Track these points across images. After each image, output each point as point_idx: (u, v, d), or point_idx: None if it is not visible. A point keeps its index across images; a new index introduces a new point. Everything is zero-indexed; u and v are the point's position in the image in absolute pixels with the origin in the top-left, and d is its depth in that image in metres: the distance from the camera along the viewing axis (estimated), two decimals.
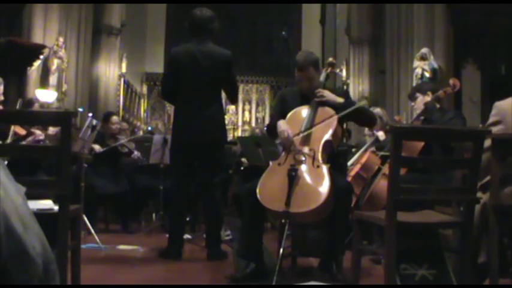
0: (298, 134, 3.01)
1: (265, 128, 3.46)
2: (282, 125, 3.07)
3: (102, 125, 5.47)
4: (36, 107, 4.75)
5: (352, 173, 3.96)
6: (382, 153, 3.99)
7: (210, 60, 3.67)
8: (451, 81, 3.86)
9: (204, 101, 3.67)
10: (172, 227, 3.81)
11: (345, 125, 3.47)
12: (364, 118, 3.29)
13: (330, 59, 3.51)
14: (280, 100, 3.44)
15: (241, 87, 13.21)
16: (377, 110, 4.65)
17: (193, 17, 3.77)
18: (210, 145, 3.70)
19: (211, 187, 3.76)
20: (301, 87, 3.23)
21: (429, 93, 3.78)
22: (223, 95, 3.94)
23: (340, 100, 3.16)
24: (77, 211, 2.48)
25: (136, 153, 5.47)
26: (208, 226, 3.86)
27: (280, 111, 3.29)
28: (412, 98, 3.92)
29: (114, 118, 5.56)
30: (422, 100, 3.78)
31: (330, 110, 3.11)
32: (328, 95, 3.15)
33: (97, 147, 5.13)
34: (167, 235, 3.86)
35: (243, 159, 6.20)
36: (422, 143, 3.41)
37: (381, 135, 4.37)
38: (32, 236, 1.26)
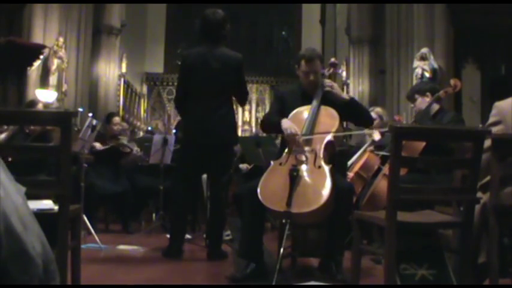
0: (301, 135, 3.01)
1: (261, 122, 3.46)
2: (285, 122, 3.07)
3: (103, 125, 5.50)
4: (39, 107, 4.75)
5: (352, 173, 3.96)
6: (382, 153, 3.99)
7: (220, 63, 3.67)
8: (452, 82, 3.85)
9: (214, 102, 3.67)
10: (174, 225, 3.85)
11: (344, 125, 3.48)
12: (362, 118, 3.30)
13: (332, 59, 3.52)
14: (279, 99, 3.43)
15: None
16: (377, 110, 4.65)
17: (206, 20, 3.75)
18: (220, 146, 3.72)
19: (217, 187, 3.80)
20: (306, 81, 3.22)
21: (428, 94, 3.77)
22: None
23: (346, 96, 3.22)
24: (77, 211, 2.48)
25: (136, 150, 5.48)
26: (210, 225, 3.88)
27: (278, 109, 3.29)
28: (411, 99, 3.91)
29: (116, 119, 5.62)
30: (421, 102, 3.77)
31: (332, 110, 3.11)
32: (336, 87, 3.19)
33: (98, 145, 5.15)
34: (167, 235, 3.87)
35: (241, 166, 6.19)
36: (423, 144, 3.41)
37: (376, 135, 4.37)
38: (32, 236, 1.26)
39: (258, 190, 2.81)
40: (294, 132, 2.99)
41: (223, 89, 3.71)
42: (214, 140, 3.68)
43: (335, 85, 3.21)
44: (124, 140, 5.46)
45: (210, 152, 3.70)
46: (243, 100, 4.04)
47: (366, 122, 3.43)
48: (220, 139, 3.71)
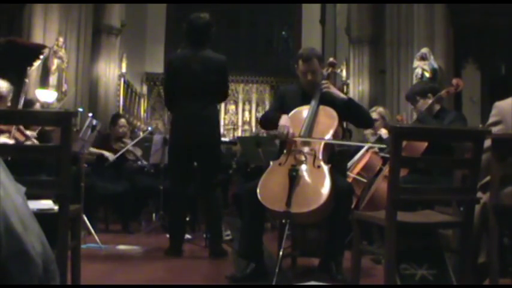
0: (298, 137, 3.01)
1: (260, 119, 3.49)
2: (284, 119, 3.07)
3: (109, 127, 5.48)
4: (37, 106, 4.75)
5: (354, 173, 3.95)
6: (382, 154, 3.98)
7: (203, 65, 3.77)
8: (454, 81, 3.83)
9: (199, 104, 3.76)
10: (172, 226, 3.91)
11: (345, 125, 3.47)
12: (362, 119, 3.31)
13: (331, 59, 3.51)
14: (279, 97, 3.45)
15: (241, 87, 13.21)
16: (380, 110, 4.64)
17: (191, 24, 3.86)
18: (207, 145, 3.79)
19: (210, 187, 3.83)
20: (304, 81, 3.23)
21: (429, 95, 3.74)
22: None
23: (344, 96, 3.21)
24: (77, 211, 2.48)
25: (141, 162, 5.46)
26: (209, 225, 3.92)
27: (278, 107, 3.31)
28: (412, 101, 3.87)
29: (122, 121, 5.61)
30: (423, 103, 3.74)
31: (330, 110, 3.11)
32: (334, 88, 3.19)
33: (109, 155, 5.16)
34: (167, 235, 3.89)
35: None
36: (425, 146, 3.40)
37: (384, 133, 4.37)
38: (32, 236, 1.26)
39: (258, 190, 2.81)
40: (286, 132, 2.99)
41: (206, 90, 3.79)
42: (201, 139, 3.75)
43: (332, 87, 3.20)
44: (128, 142, 5.44)
45: (198, 152, 3.77)
46: (222, 100, 4.22)
47: (366, 123, 3.43)
48: (206, 139, 3.78)
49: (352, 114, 3.21)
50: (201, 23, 3.84)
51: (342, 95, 3.23)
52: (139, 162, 5.47)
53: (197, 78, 3.75)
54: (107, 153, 5.20)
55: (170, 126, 3.98)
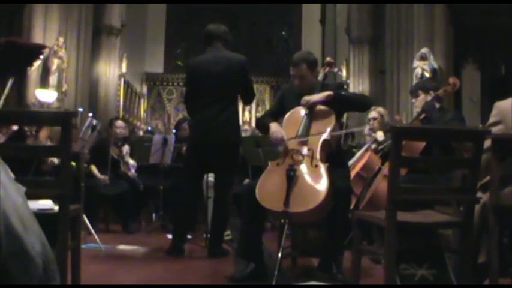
0: (295, 138, 3.02)
1: (256, 121, 3.53)
2: (273, 126, 3.14)
3: (107, 130, 5.45)
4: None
5: (353, 173, 3.95)
6: (382, 146, 4.00)
7: (223, 67, 3.80)
8: (450, 80, 3.87)
9: (220, 104, 3.79)
10: (177, 224, 3.94)
11: (344, 120, 3.47)
12: (357, 106, 3.34)
13: (328, 59, 3.53)
14: (279, 98, 3.47)
15: None
16: (379, 109, 4.65)
17: (208, 30, 3.97)
18: (225, 146, 3.81)
19: (223, 187, 3.88)
20: (295, 84, 3.25)
21: (431, 92, 3.78)
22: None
23: (327, 93, 3.09)
24: (77, 211, 2.48)
25: (132, 174, 5.42)
26: (213, 225, 3.92)
27: (275, 111, 3.36)
28: (414, 94, 3.92)
29: (119, 122, 5.55)
30: (423, 99, 3.79)
31: (326, 109, 3.10)
32: (313, 97, 3.10)
33: (102, 178, 5.16)
34: (167, 235, 3.89)
35: None
36: (423, 144, 3.41)
37: (379, 135, 4.36)
38: (32, 236, 1.26)
39: (256, 190, 2.81)
40: (280, 137, 3.05)
41: (227, 91, 3.83)
42: (220, 139, 3.77)
43: (313, 97, 3.09)
44: (124, 150, 5.41)
45: (216, 151, 3.78)
46: (249, 101, 4.17)
47: (363, 107, 3.39)
48: (226, 139, 3.80)
49: (345, 106, 3.24)
50: (220, 27, 3.96)
51: (325, 94, 3.08)
52: (129, 174, 5.41)
53: (218, 80, 3.78)
54: (99, 175, 5.20)
55: (190, 126, 4.06)
